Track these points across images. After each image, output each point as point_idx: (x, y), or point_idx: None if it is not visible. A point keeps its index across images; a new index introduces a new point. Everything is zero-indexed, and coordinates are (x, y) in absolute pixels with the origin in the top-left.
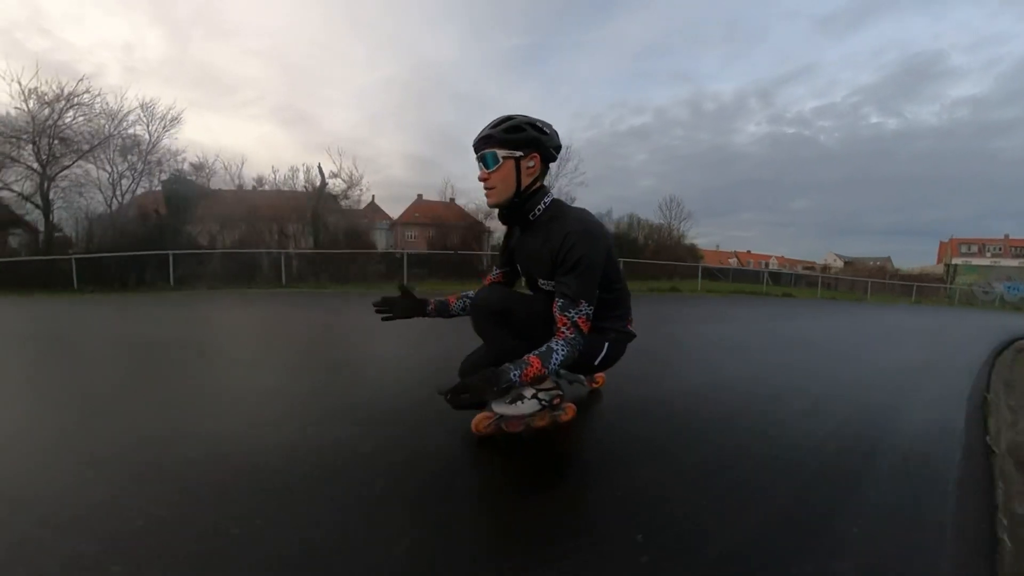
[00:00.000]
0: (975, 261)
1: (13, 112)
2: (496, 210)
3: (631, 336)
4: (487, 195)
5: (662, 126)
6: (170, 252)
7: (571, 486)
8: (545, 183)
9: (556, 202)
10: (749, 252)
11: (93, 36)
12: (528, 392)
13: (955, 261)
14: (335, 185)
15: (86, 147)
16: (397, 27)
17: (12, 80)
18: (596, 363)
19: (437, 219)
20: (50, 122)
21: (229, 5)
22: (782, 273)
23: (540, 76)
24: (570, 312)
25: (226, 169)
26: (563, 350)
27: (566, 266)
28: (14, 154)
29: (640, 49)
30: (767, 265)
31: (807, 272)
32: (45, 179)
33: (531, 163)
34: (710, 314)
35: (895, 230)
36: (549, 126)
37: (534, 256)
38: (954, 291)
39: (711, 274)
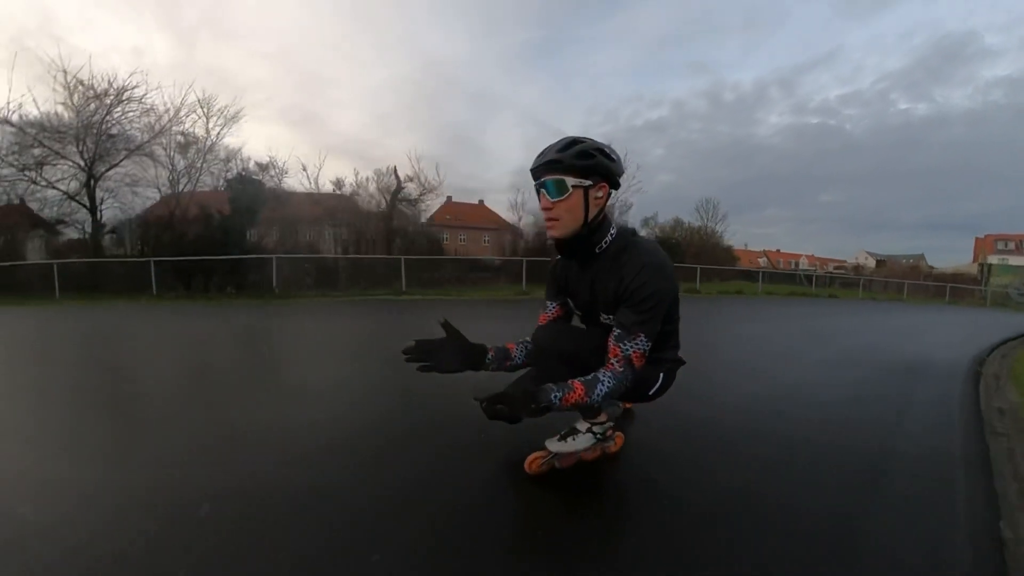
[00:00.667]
0: (1012, 259)
1: (59, 108)
2: (555, 242)
3: (681, 363)
4: (550, 227)
5: (680, 119)
6: (273, 256)
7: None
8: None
9: (623, 232)
10: (779, 251)
11: (103, 41)
12: (583, 427)
13: (991, 260)
14: (411, 190)
15: (133, 145)
16: (405, 26)
17: (57, 71)
18: (651, 393)
19: (468, 221)
20: (96, 117)
21: (235, 8)
22: (815, 274)
23: (553, 71)
24: (625, 344)
25: (304, 170)
26: (610, 382)
27: (634, 299)
28: (58, 149)
29: (655, 40)
30: (796, 264)
31: (840, 273)
32: (91, 177)
33: (599, 193)
34: (804, 312)
35: (928, 224)
36: (615, 152)
37: (600, 289)
38: (988, 292)
39: (747, 275)
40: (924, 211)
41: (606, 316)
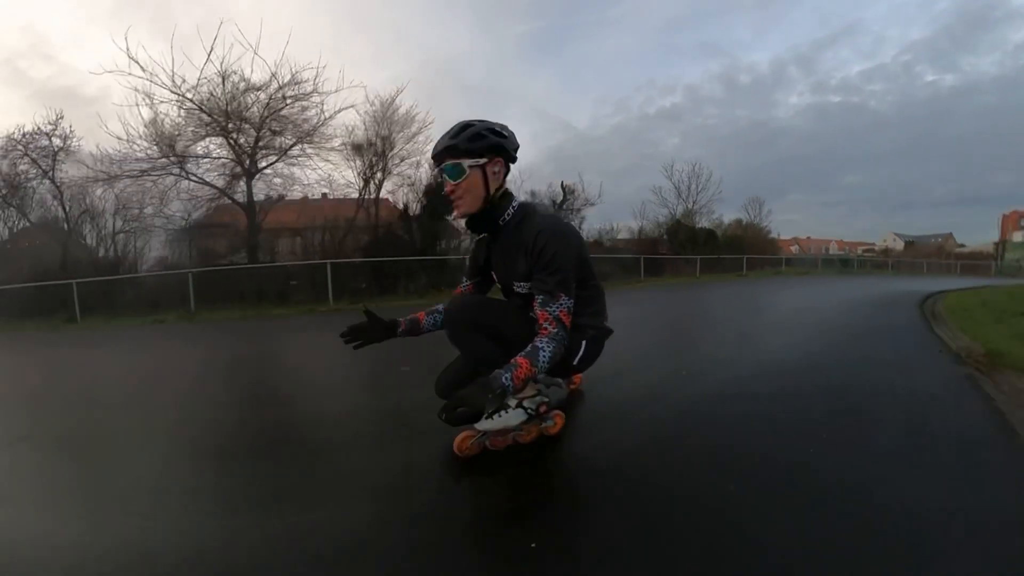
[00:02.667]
0: None
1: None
2: (463, 220)
3: (608, 332)
4: (455, 206)
5: (695, 105)
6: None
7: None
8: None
9: (523, 205)
10: (809, 238)
11: (95, 57)
12: (512, 401)
13: (1016, 237)
14: (577, 201)
15: (291, 140)
16: (402, 24)
17: (209, 54)
18: (575, 363)
19: None
20: (253, 109)
21: (231, 15)
22: (852, 258)
23: (558, 61)
24: (551, 307)
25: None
26: (549, 346)
27: (541, 262)
28: (214, 142)
29: (665, 22)
30: (827, 250)
31: (869, 255)
32: (246, 174)
33: (496, 168)
34: (852, 283)
35: (960, 199)
36: (507, 128)
37: (508, 260)
38: (1001, 266)
39: (787, 262)
40: (955, 185)
41: (519, 285)
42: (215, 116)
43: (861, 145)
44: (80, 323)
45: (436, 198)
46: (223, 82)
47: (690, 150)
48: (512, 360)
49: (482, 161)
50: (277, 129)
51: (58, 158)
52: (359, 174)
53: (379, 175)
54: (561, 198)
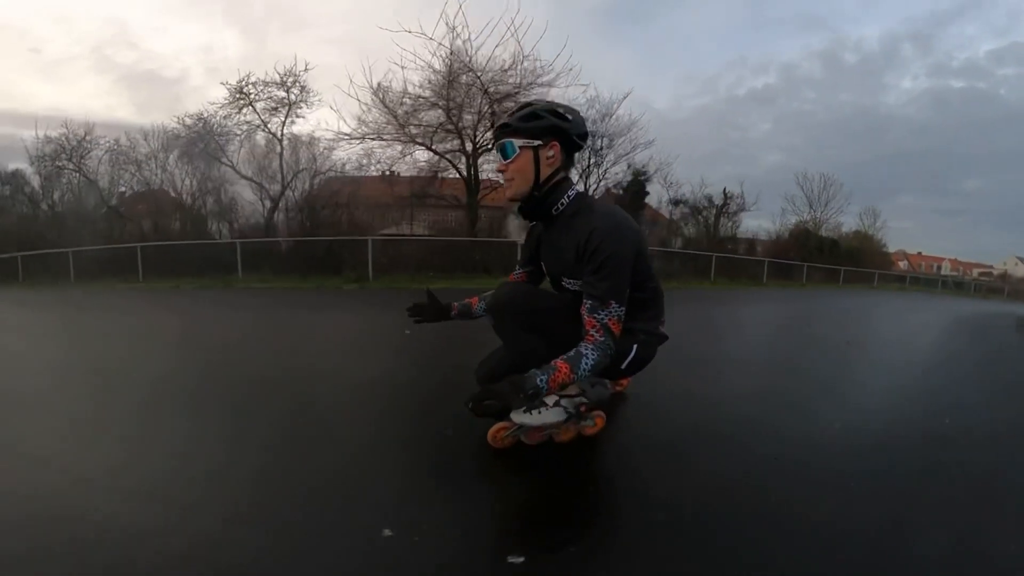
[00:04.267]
0: None
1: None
2: (516, 204)
3: (663, 338)
4: (505, 187)
5: (790, 87)
6: None
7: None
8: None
9: (581, 195)
10: (920, 254)
11: (175, 43)
12: (550, 399)
13: None
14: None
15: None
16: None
17: (451, 28)
18: (623, 366)
19: None
20: (477, 86)
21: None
22: (963, 280)
23: (641, 36)
24: (599, 314)
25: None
26: (593, 355)
27: (593, 264)
28: (446, 124)
29: None
30: (939, 268)
31: (985, 279)
32: (468, 155)
33: (551, 152)
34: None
35: None
36: (575, 112)
37: (558, 253)
38: None
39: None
40: None
41: (568, 280)
42: (452, 92)
43: (988, 141)
44: (372, 282)
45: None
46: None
47: (783, 137)
48: (552, 362)
49: (535, 143)
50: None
51: (295, 113)
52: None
53: (598, 171)
54: (722, 202)
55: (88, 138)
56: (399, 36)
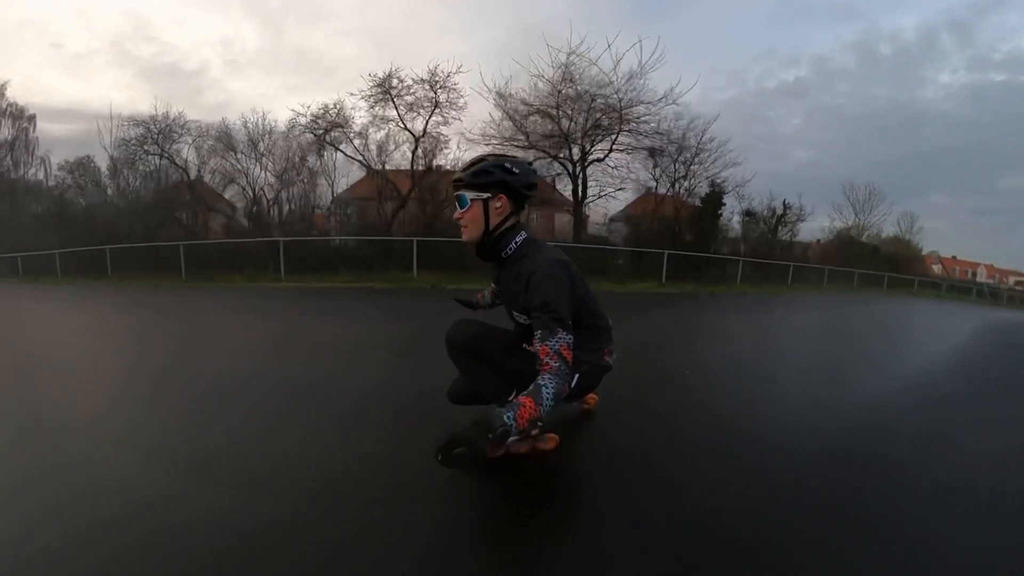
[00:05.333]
0: None
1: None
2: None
3: (606, 368)
4: (462, 232)
5: (822, 80)
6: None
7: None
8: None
9: (528, 241)
10: (955, 258)
11: (194, 36)
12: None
13: None
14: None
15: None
16: None
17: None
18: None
19: None
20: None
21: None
22: (998, 289)
23: (666, 24)
24: (550, 342)
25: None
26: (552, 383)
27: (537, 300)
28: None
29: None
30: (974, 275)
31: (1020, 290)
32: (574, 162)
33: (498, 204)
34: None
35: None
36: (522, 165)
37: (508, 291)
38: None
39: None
40: None
41: (517, 315)
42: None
43: None
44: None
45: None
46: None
47: (814, 133)
48: (515, 399)
49: (485, 196)
50: (607, 123)
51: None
52: (664, 173)
53: (684, 181)
54: (781, 211)
55: (178, 124)
56: (514, 43)
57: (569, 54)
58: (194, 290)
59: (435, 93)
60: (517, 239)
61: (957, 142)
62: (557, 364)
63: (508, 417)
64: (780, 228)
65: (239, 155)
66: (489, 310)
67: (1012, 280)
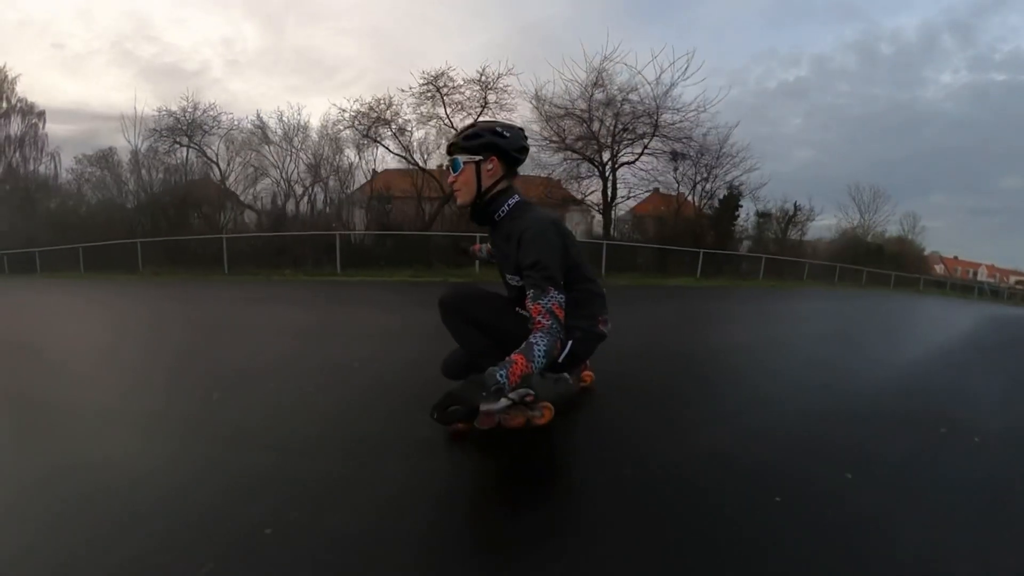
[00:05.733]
0: None
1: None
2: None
3: (601, 336)
4: (455, 196)
5: (822, 80)
6: None
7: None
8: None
9: (521, 204)
10: (956, 259)
11: (195, 36)
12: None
13: None
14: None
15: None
16: None
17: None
18: (560, 360)
19: None
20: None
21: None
22: (999, 288)
23: (666, 24)
24: (542, 301)
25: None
26: (543, 340)
27: (528, 259)
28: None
29: None
30: (975, 274)
31: (1020, 288)
32: (603, 164)
33: (490, 166)
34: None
35: None
36: (513, 129)
37: (502, 253)
38: None
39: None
40: None
41: (510, 277)
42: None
43: None
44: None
45: (730, 209)
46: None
47: (814, 133)
48: (508, 357)
49: (476, 158)
50: (640, 130)
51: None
52: (685, 177)
53: (704, 184)
54: (792, 212)
55: (211, 115)
56: (513, 43)
57: (603, 60)
58: (256, 283)
59: (484, 93)
60: (510, 202)
61: (957, 141)
62: (549, 322)
63: (500, 375)
64: (791, 228)
65: (271, 148)
66: (484, 263)
67: (1012, 279)
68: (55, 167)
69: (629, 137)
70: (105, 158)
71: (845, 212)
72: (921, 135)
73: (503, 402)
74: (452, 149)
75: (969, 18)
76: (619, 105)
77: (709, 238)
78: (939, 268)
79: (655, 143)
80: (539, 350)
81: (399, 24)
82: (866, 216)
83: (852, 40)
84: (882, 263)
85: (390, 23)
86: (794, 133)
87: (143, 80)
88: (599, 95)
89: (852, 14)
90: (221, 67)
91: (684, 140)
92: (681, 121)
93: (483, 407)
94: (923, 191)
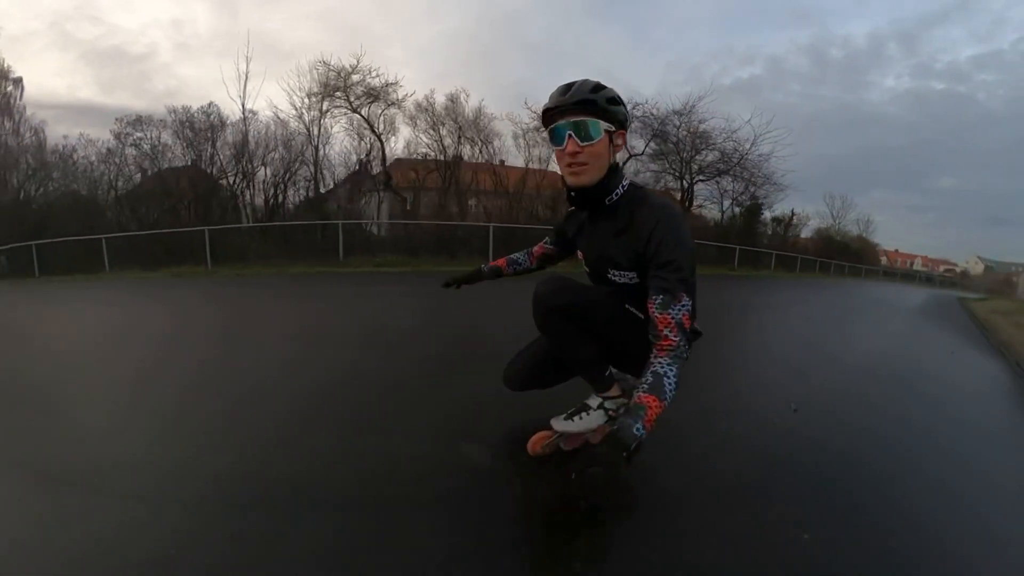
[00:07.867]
0: None
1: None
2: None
3: (697, 334)
4: (577, 172)
5: (775, 79)
6: None
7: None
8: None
9: (635, 185)
10: (897, 251)
11: (142, 17)
12: (594, 402)
13: None
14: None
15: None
16: None
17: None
18: None
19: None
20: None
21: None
22: (932, 275)
23: (628, 18)
24: (672, 310)
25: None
26: (673, 371)
27: (660, 259)
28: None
29: None
30: (911, 265)
31: (948, 275)
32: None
33: (619, 141)
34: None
35: None
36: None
37: (607, 243)
38: None
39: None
40: None
41: (615, 272)
42: None
43: (963, 142)
44: None
45: (752, 215)
46: None
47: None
48: (637, 399)
49: (612, 128)
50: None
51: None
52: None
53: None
54: (790, 217)
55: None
56: (482, 33)
57: (700, 98)
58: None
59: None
60: (624, 183)
61: (898, 142)
62: (677, 339)
63: (638, 429)
64: (788, 230)
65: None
66: (492, 280)
67: (942, 268)
68: (40, 141)
69: (703, 159)
70: (141, 121)
71: (821, 217)
72: (865, 135)
73: (599, 417)
74: (590, 108)
75: (914, 29)
76: (702, 139)
77: (739, 238)
78: (883, 260)
79: (720, 164)
80: (669, 384)
81: (361, 8)
82: (837, 220)
83: (805, 43)
84: (851, 257)
85: (352, 6)
86: (747, 128)
87: (85, 65)
88: (686, 122)
89: (807, 18)
90: (170, 50)
91: (740, 167)
92: (747, 151)
93: (574, 428)
94: (865, 186)
